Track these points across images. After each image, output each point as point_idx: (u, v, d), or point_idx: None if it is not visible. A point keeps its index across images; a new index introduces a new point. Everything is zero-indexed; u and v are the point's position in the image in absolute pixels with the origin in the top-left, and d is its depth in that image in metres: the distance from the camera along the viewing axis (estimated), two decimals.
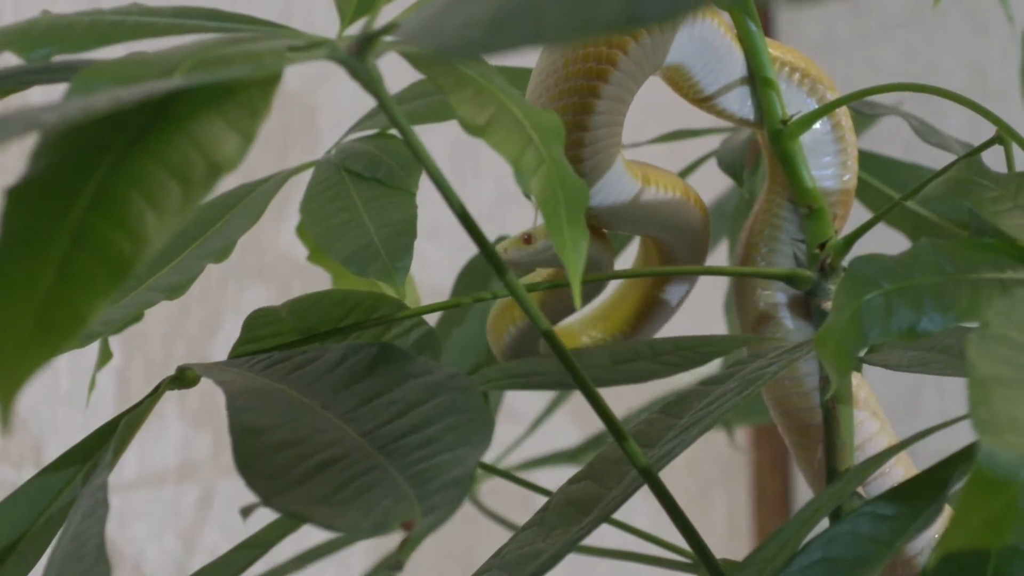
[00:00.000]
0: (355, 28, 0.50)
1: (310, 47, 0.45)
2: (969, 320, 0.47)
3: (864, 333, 0.46)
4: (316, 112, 1.32)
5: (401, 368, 0.46)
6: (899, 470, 0.64)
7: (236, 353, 0.61)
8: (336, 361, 0.48)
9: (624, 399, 1.03)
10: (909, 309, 0.47)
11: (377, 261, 0.65)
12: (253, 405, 0.46)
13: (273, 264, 1.28)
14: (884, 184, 0.81)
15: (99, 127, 0.39)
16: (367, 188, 0.70)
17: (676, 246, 0.67)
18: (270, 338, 0.62)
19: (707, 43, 0.61)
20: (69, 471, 0.55)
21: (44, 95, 1.03)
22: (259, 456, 0.43)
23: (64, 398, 1.14)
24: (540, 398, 1.22)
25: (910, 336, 0.46)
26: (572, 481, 0.57)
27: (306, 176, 0.75)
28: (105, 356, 0.69)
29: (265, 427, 0.44)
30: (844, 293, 0.47)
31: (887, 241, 0.86)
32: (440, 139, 0.94)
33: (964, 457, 0.49)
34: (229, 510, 1.25)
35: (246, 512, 0.85)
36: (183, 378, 0.55)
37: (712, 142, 0.87)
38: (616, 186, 0.63)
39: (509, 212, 1.42)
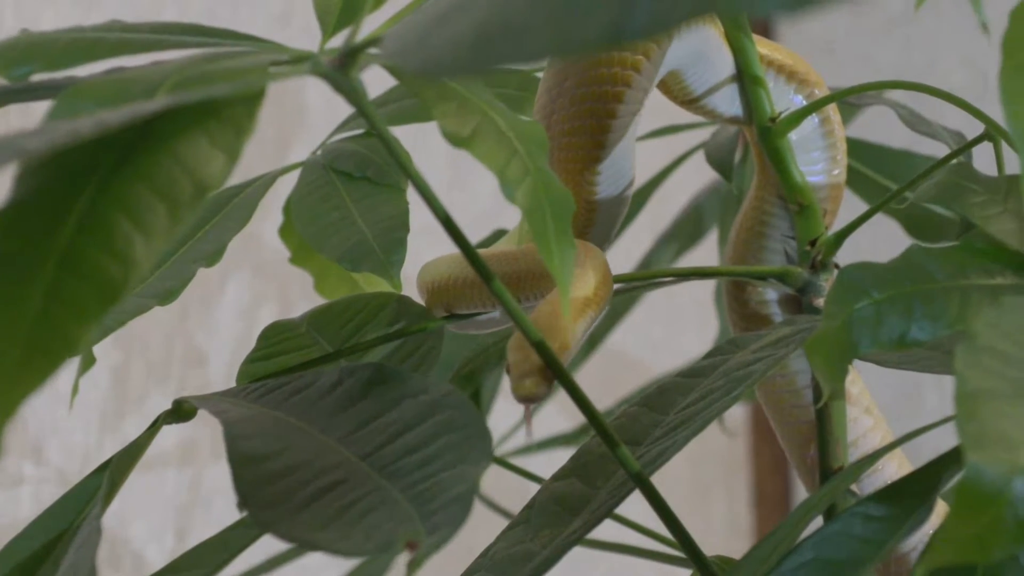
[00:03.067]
0: (337, 39, 0.50)
1: (293, 62, 0.45)
2: (958, 328, 0.47)
3: (855, 342, 0.46)
4: (307, 108, 1.31)
5: (396, 388, 0.46)
6: (892, 466, 0.64)
7: (249, 361, 0.61)
8: (331, 385, 0.48)
9: (612, 397, 1.03)
10: (899, 318, 0.46)
11: (371, 257, 0.65)
12: (251, 433, 0.46)
13: (273, 261, 1.28)
14: (878, 174, 0.81)
15: (84, 148, 0.39)
16: (356, 187, 0.70)
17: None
18: (284, 343, 0.62)
19: (700, 47, 0.61)
20: (77, 503, 0.55)
21: (22, 110, 1.02)
22: (260, 484, 0.43)
23: (63, 396, 1.14)
24: None
25: (900, 346, 0.46)
26: (557, 477, 0.57)
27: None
28: (88, 362, 0.69)
29: (265, 455, 0.44)
30: (834, 301, 0.46)
31: (881, 231, 0.86)
32: (440, 138, 0.94)
33: (955, 456, 0.49)
34: (229, 507, 1.25)
35: (242, 505, 0.84)
36: (179, 411, 0.56)
37: (701, 134, 0.86)
38: (626, 182, 0.63)
39: (510, 211, 1.41)
